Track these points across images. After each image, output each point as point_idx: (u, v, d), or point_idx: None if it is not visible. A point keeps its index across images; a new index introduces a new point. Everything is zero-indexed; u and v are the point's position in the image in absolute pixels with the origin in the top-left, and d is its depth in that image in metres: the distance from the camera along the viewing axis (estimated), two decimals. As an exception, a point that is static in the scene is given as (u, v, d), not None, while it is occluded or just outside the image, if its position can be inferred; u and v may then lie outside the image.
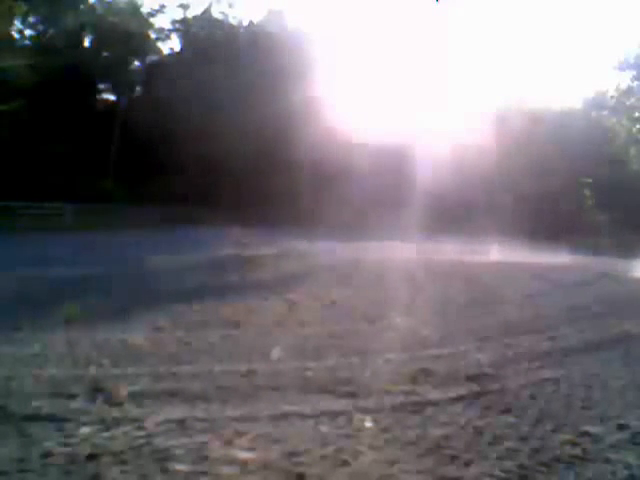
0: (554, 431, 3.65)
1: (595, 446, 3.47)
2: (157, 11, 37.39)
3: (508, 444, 3.45)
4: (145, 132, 31.27)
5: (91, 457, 3.16)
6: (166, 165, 31.94)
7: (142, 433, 3.49)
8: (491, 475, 3.10)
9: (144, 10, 36.84)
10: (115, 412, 3.82)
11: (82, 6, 34.40)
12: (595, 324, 7.39)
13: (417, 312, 7.58)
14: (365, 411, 3.93)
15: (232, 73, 32.30)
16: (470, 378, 4.73)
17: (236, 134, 31.69)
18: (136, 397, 4.09)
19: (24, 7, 30.94)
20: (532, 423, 3.78)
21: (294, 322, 6.86)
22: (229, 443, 3.41)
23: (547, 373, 4.97)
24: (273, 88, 31.83)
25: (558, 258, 16.19)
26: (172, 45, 46.29)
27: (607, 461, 3.29)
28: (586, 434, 3.63)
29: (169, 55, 39.40)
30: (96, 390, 4.19)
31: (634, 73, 33.11)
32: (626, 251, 19.62)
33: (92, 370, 4.68)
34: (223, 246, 14.94)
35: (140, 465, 3.10)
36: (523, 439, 3.52)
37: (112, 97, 37.58)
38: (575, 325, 7.21)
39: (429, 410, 3.99)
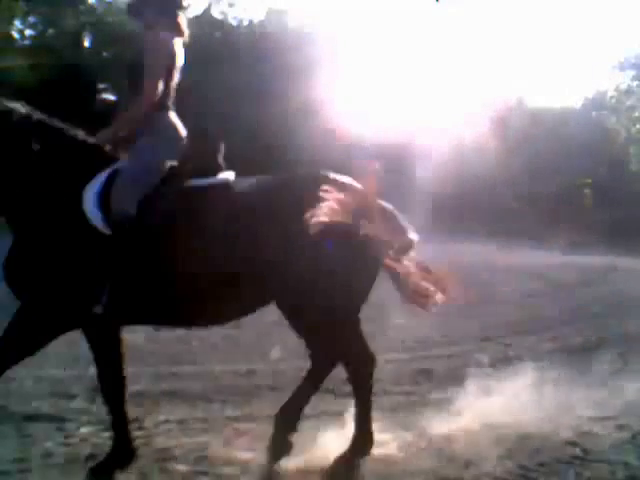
0: (554, 431, 3.65)
1: (595, 446, 3.47)
2: (157, 11, 37.39)
3: (508, 444, 3.45)
4: (145, 132, 31.27)
5: (91, 457, 3.16)
6: (166, 165, 31.96)
7: (142, 433, 3.49)
8: (491, 475, 3.10)
9: (144, 10, 36.84)
10: (115, 412, 3.81)
11: (82, 6, 34.38)
12: (595, 324, 7.40)
13: (417, 312, 7.56)
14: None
15: (232, 73, 32.30)
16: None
17: (235, 134, 31.69)
18: (136, 397, 4.08)
19: (24, 7, 30.94)
20: (532, 423, 3.78)
21: (294, 322, 6.83)
22: (229, 443, 3.41)
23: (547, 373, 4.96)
24: (273, 88, 31.84)
25: (557, 258, 16.17)
26: (172, 45, 46.10)
27: (607, 461, 3.29)
28: (586, 434, 3.63)
29: (169, 55, 39.40)
30: (96, 390, 4.19)
31: (634, 73, 33.10)
32: (626, 251, 19.60)
33: (92, 370, 4.68)
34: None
35: (140, 465, 3.10)
36: (523, 439, 3.52)
37: (112, 97, 37.58)
38: (575, 325, 7.22)
39: (429, 410, 3.99)
